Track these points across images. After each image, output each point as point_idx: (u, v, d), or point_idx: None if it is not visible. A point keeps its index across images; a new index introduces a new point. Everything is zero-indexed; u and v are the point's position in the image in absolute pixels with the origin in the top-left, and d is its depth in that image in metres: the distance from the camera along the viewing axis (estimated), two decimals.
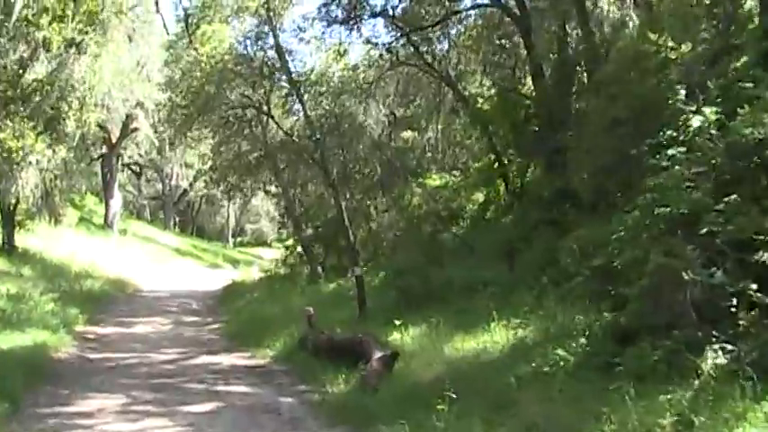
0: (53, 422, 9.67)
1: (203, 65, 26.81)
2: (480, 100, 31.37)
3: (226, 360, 14.80)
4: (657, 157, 10.47)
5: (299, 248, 31.29)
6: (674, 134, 10.64)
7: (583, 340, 9.94)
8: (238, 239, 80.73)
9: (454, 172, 36.07)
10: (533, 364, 9.75)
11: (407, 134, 35.47)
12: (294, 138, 28.29)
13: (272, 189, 34.99)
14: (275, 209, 75.97)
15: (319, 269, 28.46)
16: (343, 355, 12.09)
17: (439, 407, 8.31)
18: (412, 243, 31.06)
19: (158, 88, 33.01)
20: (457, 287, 15.31)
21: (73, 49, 22.56)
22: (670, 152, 10.23)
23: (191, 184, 61.13)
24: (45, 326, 15.71)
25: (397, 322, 12.86)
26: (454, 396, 8.37)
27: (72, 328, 17.13)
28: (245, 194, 35.15)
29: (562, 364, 9.39)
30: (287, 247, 33.59)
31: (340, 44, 29.60)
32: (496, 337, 11.69)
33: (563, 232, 16.60)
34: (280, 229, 35.74)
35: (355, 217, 29.58)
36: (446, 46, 31.68)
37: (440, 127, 36.37)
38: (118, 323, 20.17)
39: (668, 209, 9.46)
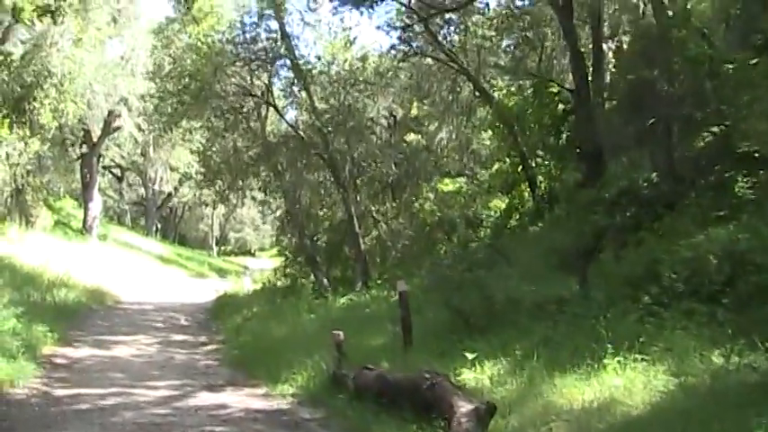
0: None
1: (200, 44, 23.45)
2: (504, 94, 28.43)
3: (234, 400, 11.36)
4: None
5: (301, 258, 28.03)
6: None
7: None
8: (222, 248, 77.57)
9: (468, 176, 33.07)
10: None
11: (411, 137, 32.04)
12: (300, 131, 24.96)
13: (259, 196, 31.78)
14: (261, 217, 73.64)
15: (325, 281, 25.14)
16: (403, 401, 8.82)
17: None
18: (433, 253, 28.21)
19: (146, 77, 29.48)
20: (524, 307, 12.08)
21: (48, 20, 18.91)
22: None
23: (175, 189, 57.82)
24: (1, 350, 12.27)
25: (469, 355, 9.60)
26: None
27: (37, 352, 13.69)
28: (236, 199, 31.30)
29: None
30: (287, 257, 30.26)
31: (349, 29, 26.65)
32: (618, 379, 8.46)
33: (647, 239, 13.74)
34: (279, 236, 31.81)
35: (362, 223, 26.44)
36: (465, 35, 28.58)
37: (452, 127, 33.05)
38: (95, 343, 16.80)
39: None
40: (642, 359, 8.80)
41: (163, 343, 18.06)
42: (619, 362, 8.80)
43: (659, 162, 15.97)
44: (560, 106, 23.49)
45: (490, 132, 32.34)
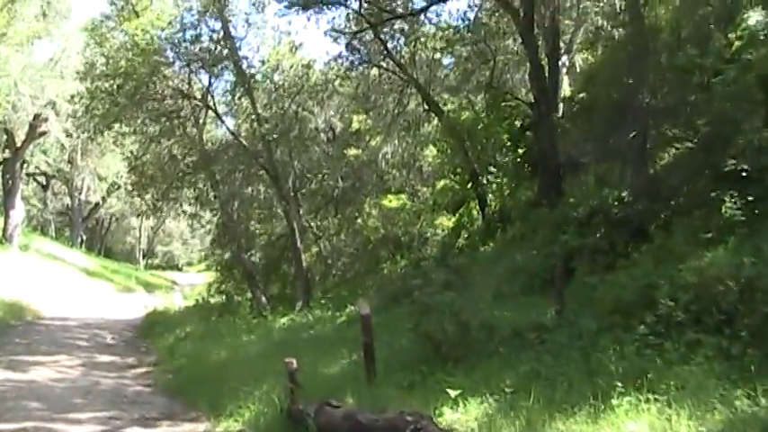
0: None
1: (137, 40, 21.71)
2: (455, 108, 27.34)
3: None
4: None
5: (237, 274, 26.44)
6: None
7: None
8: (149, 261, 75.16)
9: (412, 192, 31.83)
10: None
11: (353, 151, 30.58)
12: (241, 139, 23.43)
13: (190, 209, 30.12)
14: (190, 231, 71.48)
15: (263, 299, 23.59)
16: None
17: None
18: (377, 272, 26.87)
19: (76, 78, 27.48)
20: (499, 336, 10.81)
21: None
22: None
23: (103, 199, 55.40)
24: None
25: (452, 392, 8.24)
26: None
27: None
28: (169, 210, 29.48)
29: None
30: (221, 272, 28.59)
31: (295, 34, 25.30)
32: (632, 424, 7.23)
33: (632, 261, 12.69)
34: (213, 250, 30.03)
35: (304, 239, 25.00)
36: (415, 46, 27.44)
37: (396, 142, 31.71)
38: (10, 364, 15.03)
39: None
40: (655, 399, 7.58)
41: (87, 365, 16.32)
42: (630, 402, 7.56)
43: (634, 179, 14.91)
44: (517, 121, 22.52)
45: (435, 148, 31.31)
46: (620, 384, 7.92)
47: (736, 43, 13.68)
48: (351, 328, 16.53)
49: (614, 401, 7.65)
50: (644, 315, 9.86)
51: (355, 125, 30.69)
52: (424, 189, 32.44)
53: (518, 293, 14.35)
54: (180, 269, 79.27)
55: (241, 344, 16.73)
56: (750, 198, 11.97)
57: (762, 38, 13.25)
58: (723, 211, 12.33)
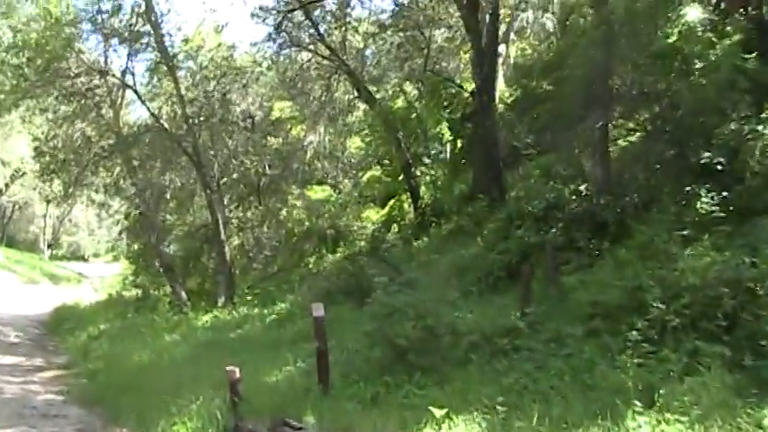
0: None
1: (52, 7, 19.78)
2: (389, 96, 26.19)
3: None
4: None
5: (153, 266, 24.71)
6: None
7: None
8: (53, 252, 71.88)
9: (335, 184, 30.57)
10: None
11: (276, 140, 28.96)
12: (162, 122, 21.74)
13: (98, 197, 28.22)
14: (97, 221, 68.67)
15: (183, 294, 21.98)
16: None
17: None
18: (302, 266, 25.49)
19: None
20: (467, 341, 9.65)
21: None
22: None
23: (6, 186, 52.38)
24: None
25: (437, 411, 7.01)
26: None
27: None
28: (81, 196, 27.44)
29: None
30: (137, 264, 26.75)
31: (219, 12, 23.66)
32: None
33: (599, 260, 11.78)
34: (127, 241, 28.01)
35: (225, 230, 23.46)
36: (346, 30, 26.16)
37: (322, 130, 30.19)
38: None
39: None
40: (677, 420, 6.55)
41: None
42: (649, 423, 6.51)
43: (595, 172, 13.94)
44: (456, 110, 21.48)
45: (359, 139, 30.13)
46: (624, 401, 6.93)
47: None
48: (284, 328, 15.27)
49: (630, 422, 6.58)
50: (632, 319, 8.86)
51: (276, 113, 29.17)
52: (346, 181, 31.25)
53: (471, 293, 13.19)
54: (86, 260, 76.28)
55: (164, 345, 15.22)
56: (726, 194, 11.14)
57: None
58: (698, 206, 11.48)
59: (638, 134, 14.10)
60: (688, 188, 11.74)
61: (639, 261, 10.31)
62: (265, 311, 18.14)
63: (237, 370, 8.84)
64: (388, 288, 10.08)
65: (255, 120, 26.11)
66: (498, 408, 7.34)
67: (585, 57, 13.82)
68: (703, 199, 11.38)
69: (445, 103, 20.98)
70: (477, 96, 19.40)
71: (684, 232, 10.74)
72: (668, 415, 6.61)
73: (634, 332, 8.56)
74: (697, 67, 11.95)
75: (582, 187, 14.59)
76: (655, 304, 8.82)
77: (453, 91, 21.01)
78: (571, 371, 8.37)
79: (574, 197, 14.41)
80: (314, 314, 9.14)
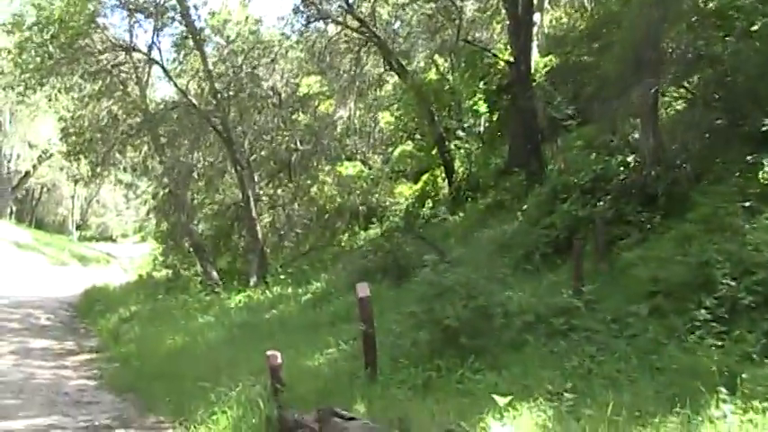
0: None
1: None
2: (421, 68, 25.48)
3: None
4: None
5: (185, 246, 24.30)
6: None
7: None
8: (82, 233, 72.01)
9: (367, 160, 29.99)
10: None
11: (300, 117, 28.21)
12: (191, 97, 21.21)
13: (126, 178, 27.84)
14: (125, 201, 68.56)
15: (214, 274, 21.55)
16: None
17: None
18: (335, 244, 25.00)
19: (2, 31, 24.69)
20: (521, 322, 9.06)
21: None
22: None
23: (33, 168, 52.29)
24: None
25: (500, 400, 6.41)
26: None
27: None
28: (109, 176, 27.01)
29: None
30: (166, 244, 26.33)
31: None
32: None
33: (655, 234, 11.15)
34: (157, 220, 27.52)
35: (257, 207, 22.98)
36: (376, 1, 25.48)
37: (352, 105, 29.47)
38: None
39: None
40: (765, 409, 5.94)
41: (19, 352, 14.21)
42: (735, 413, 5.89)
43: (645, 142, 13.23)
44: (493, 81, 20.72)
45: (389, 113, 29.47)
46: (703, 386, 6.31)
47: None
48: (320, 308, 14.76)
49: (713, 411, 5.97)
50: (698, 297, 8.25)
51: (304, 89, 28.50)
52: (376, 157, 30.68)
53: (516, 271, 12.57)
54: (114, 240, 76.30)
55: (197, 327, 14.75)
56: None
57: None
58: (761, 177, 10.81)
59: (689, 101, 13.37)
60: (749, 157, 11.06)
61: (701, 235, 9.65)
62: (299, 291, 17.65)
63: (279, 354, 8.31)
64: (436, 266, 9.38)
65: (282, 96, 25.53)
66: (565, 394, 6.75)
67: (633, 19, 13.05)
68: (766, 169, 10.74)
69: (481, 74, 20.23)
70: (515, 67, 18.67)
71: (747, 204, 10.09)
72: (756, 403, 6.00)
73: (702, 311, 7.97)
74: (756, 27, 11.17)
75: (630, 158, 13.92)
76: (724, 281, 8.22)
77: (490, 62, 20.23)
78: (637, 353, 7.81)
79: (622, 168, 13.74)
80: (358, 294, 8.56)
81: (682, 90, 13.44)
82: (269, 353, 8.32)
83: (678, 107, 14.27)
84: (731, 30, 11.31)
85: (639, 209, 12.28)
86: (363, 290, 8.58)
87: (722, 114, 12.24)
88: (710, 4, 11.67)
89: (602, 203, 12.99)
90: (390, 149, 30.37)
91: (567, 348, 8.29)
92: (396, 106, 29.01)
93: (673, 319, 8.23)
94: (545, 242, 13.05)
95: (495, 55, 20.04)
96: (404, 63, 24.87)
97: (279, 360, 8.30)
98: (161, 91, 26.27)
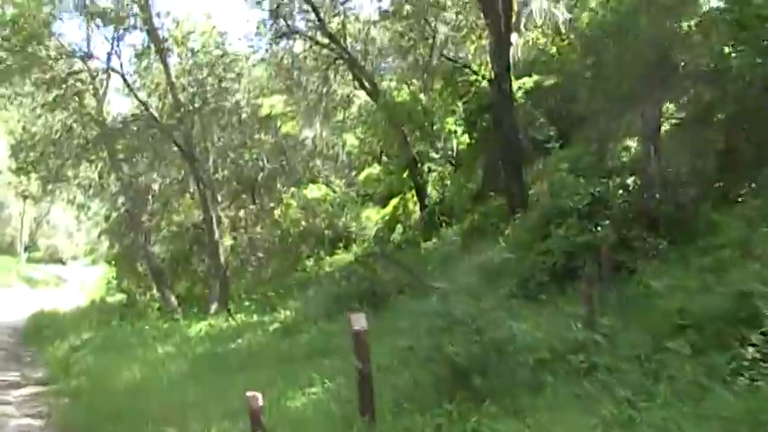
0: None
1: None
2: (393, 87, 24.49)
3: None
4: None
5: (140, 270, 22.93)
6: None
7: None
8: (30, 255, 69.94)
9: (330, 183, 28.98)
10: None
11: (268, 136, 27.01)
12: (152, 110, 19.96)
13: (78, 198, 26.47)
14: (76, 223, 66.54)
15: (173, 300, 20.24)
16: None
17: None
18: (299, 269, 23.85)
19: None
20: (532, 358, 7.95)
21: None
22: None
23: None
24: None
25: None
26: None
27: None
28: (61, 193, 25.49)
29: None
30: (120, 267, 24.89)
31: None
32: None
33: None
34: (110, 242, 25.92)
35: (219, 229, 21.76)
36: (346, 17, 24.60)
37: (318, 126, 28.30)
38: None
39: None
40: None
41: None
42: None
43: (647, 163, 12.32)
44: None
45: (355, 135, 28.49)
46: None
47: None
48: (291, 339, 13.56)
49: None
50: (739, 332, 7.25)
51: (266, 109, 27.32)
52: (339, 181, 29.65)
53: (511, 301, 11.48)
54: (64, 263, 74.27)
55: (157, 358, 13.44)
56: None
57: None
58: None
59: (695, 119, 12.51)
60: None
61: (730, 261, 8.71)
62: (266, 319, 16.52)
63: (260, 396, 7.10)
64: (447, 296, 8.21)
65: (244, 116, 24.39)
66: None
67: (640, 33, 12.16)
68: None
69: (461, 93, 19.27)
70: (496, 85, 17.71)
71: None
72: None
73: (750, 348, 6.96)
74: None
75: (629, 180, 13.04)
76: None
77: (470, 80, 19.27)
78: (677, 397, 6.72)
79: (621, 192, 12.84)
80: (353, 327, 7.38)
81: (687, 107, 12.58)
82: (249, 394, 7.09)
83: (677, 125, 13.40)
84: (747, 41, 10.44)
85: (645, 234, 11.37)
86: (359, 322, 7.40)
87: (731, 132, 11.41)
88: (728, 16, 10.76)
89: (599, 229, 12.04)
90: (354, 173, 29.41)
91: (593, 391, 7.19)
92: (360, 129, 28.07)
93: (713, 357, 7.19)
94: (541, 269, 12.00)
95: (475, 72, 19.07)
96: (375, 82, 23.93)
97: (260, 402, 7.09)
98: (119, 106, 24.99)
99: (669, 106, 13.17)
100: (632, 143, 17.15)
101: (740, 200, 11.22)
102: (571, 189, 13.69)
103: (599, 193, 12.82)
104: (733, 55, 10.88)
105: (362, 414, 7.18)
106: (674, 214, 11.63)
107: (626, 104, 12.45)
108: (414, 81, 24.97)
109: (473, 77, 19.14)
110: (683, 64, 11.49)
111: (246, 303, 18.73)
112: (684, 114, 12.68)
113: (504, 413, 6.86)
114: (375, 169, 27.34)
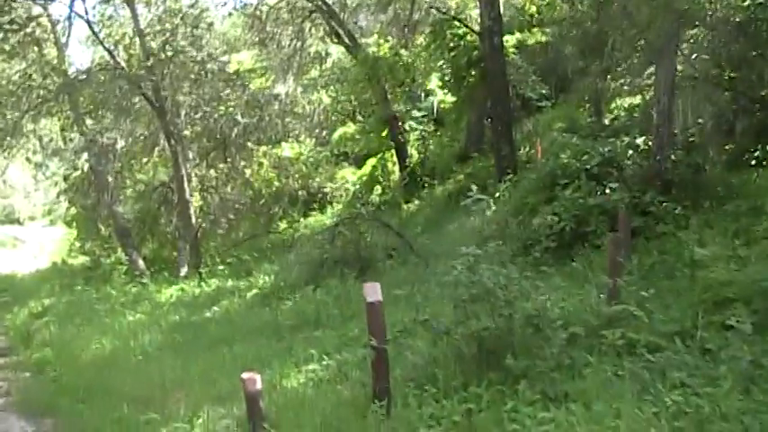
0: None
1: None
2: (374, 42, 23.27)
3: None
4: None
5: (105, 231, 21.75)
6: None
7: None
8: None
9: (300, 140, 27.68)
10: None
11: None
12: (120, 59, 18.67)
13: (35, 157, 25.14)
14: (34, 183, 64.60)
15: (140, 263, 19.13)
16: None
17: None
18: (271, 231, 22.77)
19: None
20: (561, 334, 6.99)
21: None
22: None
23: None
24: None
25: None
26: None
27: None
28: (21, 147, 24.01)
29: None
30: (82, 228, 23.61)
31: None
32: None
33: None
34: (70, 201, 24.42)
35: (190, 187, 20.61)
36: None
37: (291, 82, 27.00)
38: None
39: None
40: None
41: None
42: None
43: (661, 124, 11.38)
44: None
45: (328, 93, 27.31)
46: None
47: None
48: (272, 307, 12.52)
49: None
50: None
51: (234, 65, 25.96)
52: (308, 140, 28.41)
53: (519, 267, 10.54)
54: (21, 223, 72.30)
55: (127, 327, 12.34)
56: None
57: None
58: None
59: (709, 77, 11.63)
60: None
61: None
62: (241, 285, 15.45)
63: (258, 378, 6.12)
64: (476, 264, 7.12)
65: (215, 70, 23.07)
66: None
67: None
68: None
69: (450, 46, 18.17)
70: (487, 39, 16.65)
71: None
72: None
73: None
74: None
75: (639, 140, 12.15)
76: None
77: (458, 33, 18.15)
78: (743, 381, 5.82)
79: (631, 152, 11.98)
80: (368, 298, 6.36)
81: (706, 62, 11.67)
82: (245, 375, 6.13)
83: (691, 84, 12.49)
84: None
85: (659, 198, 10.52)
86: (374, 292, 6.39)
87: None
88: None
89: (609, 191, 11.17)
90: (325, 132, 28.26)
91: (637, 372, 6.26)
92: (333, 87, 26.90)
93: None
94: (547, 234, 11.06)
95: (466, 25, 17.98)
96: (355, 36, 22.76)
97: (258, 385, 6.13)
98: (82, 58, 23.58)
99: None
100: (635, 101, 16.34)
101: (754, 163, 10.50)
102: (574, 149, 12.82)
103: (609, 153, 11.96)
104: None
105: (377, 398, 6.22)
106: (689, 177, 10.84)
107: (635, 58, 11.52)
108: (393, 35, 23.83)
109: (461, 30, 17.98)
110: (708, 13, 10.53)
111: (220, 267, 17.65)
112: (701, 69, 11.72)
113: (541, 398, 5.94)
114: (350, 128, 26.20)
